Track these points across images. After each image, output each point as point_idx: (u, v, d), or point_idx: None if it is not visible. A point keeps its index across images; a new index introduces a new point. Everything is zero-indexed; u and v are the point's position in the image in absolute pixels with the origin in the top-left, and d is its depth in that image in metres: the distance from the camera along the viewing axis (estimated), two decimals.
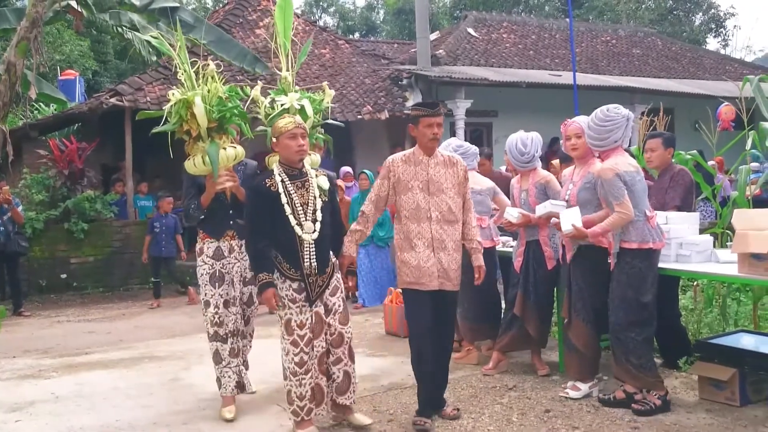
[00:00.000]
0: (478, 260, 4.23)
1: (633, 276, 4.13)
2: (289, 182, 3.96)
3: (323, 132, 4.96)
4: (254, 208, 3.97)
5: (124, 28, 11.26)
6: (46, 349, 6.72)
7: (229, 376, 4.47)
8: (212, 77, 4.33)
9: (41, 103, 15.35)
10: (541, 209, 4.81)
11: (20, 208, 9.05)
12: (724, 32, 32.98)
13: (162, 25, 11.08)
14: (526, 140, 5.10)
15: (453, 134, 13.30)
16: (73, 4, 10.34)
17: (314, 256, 3.91)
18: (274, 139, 4.03)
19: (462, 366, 5.38)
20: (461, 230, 4.21)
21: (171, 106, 4.25)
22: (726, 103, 6.26)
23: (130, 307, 9.08)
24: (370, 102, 12.91)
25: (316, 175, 4.08)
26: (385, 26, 38.54)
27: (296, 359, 3.85)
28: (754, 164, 6.88)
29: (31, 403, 4.87)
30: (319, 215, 3.97)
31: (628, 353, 4.19)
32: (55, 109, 14.60)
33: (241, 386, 4.62)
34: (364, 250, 7.87)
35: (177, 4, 11.56)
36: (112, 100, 10.66)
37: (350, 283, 4.01)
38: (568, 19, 22.24)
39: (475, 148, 5.47)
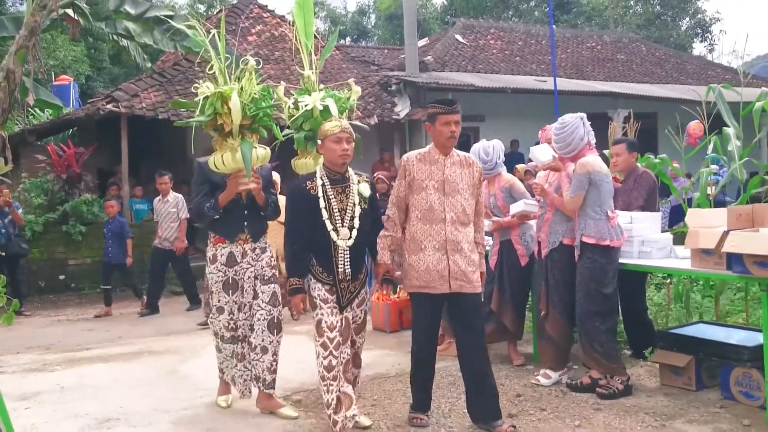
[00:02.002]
0: (481, 266, 4.14)
1: (594, 270, 4.50)
2: (329, 186, 3.93)
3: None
4: (293, 209, 3.96)
5: (119, 35, 11.61)
6: (48, 345, 7.03)
7: (239, 377, 4.52)
8: (249, 74, 4.20)
9: (36, 108, 15.63)
10: (515, 208, 5.19)
11: (20, 211, 9.36)
12: (710, 37, 33.55)
13: (157, 34, 11.47)
14: (488, 148, 5.48)
15: None
16: (70, 12, 10.69)
17: (348, 263, 3.89)
18: (319, 141, 4.00)
19: (444, 357, 5.70)
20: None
21: (204, 98, 4.13)
22: (696, 120, 6.63)
23: (126, 307, 9.35)
24: (360, 107, 13.25)
25: (358, 182, 4.02)
26: (376, 31, 38.91)
27: (325, 363, 3.83)
28: (714, 167, 7.21)
29: (38, 393, 5.18)
30: (356, 222, 3.93)
31: (593, 341, 4.55)
32: (51, 114, 14.91)
33: (245, 393, 4.55)
34: None
35: (171, 13, 11.93)
36: (109, 106, 10.95)
37: (384, 292, 4.00)
38: (554, 26, 22.66)
39: None
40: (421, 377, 4.16)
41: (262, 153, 4.28)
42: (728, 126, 6.05)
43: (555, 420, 4.18)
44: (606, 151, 6.95)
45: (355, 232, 3.91)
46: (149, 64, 14.22)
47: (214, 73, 4.23)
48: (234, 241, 4.41)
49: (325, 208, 3.88)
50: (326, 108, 4.39)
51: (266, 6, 16.12)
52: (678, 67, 19.44)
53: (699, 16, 33.20)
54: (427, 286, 3.97)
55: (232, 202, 4.34)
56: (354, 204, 3.95)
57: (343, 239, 3.88)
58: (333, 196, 3.91)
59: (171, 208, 8.70)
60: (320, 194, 3.89)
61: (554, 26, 22.51)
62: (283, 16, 16.50)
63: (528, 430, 4.01)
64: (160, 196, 8.88)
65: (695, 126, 6.81)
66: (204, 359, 6.11)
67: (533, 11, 33.95)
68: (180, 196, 8.86)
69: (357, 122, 4.89)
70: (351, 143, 3.97)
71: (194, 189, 4.47)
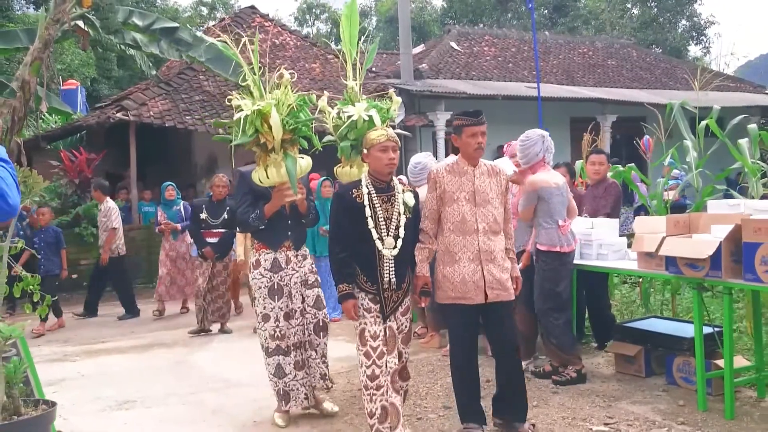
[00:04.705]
0: (515, 271, 4.21)
1: (549, 272, 5.09)
2: (375, 195, 3.90)
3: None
4: (338, 216, 3.94)
5: (127, 45, 12.24)
6: (66, 339, 7.65)
7: (298, 389, 4.46)
8: (285, 87, 4.23)
9: (46, 113, 16.25)
10: None
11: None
12: (705, 40, 34.10)
13: (163, 44, 12.09)
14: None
15: (434, 143, 14.29)
16: (80, 24, 11.32)
17: (393, 272, 3.86)
18: (365, 150, 3.98)
19: (426, 349, 6.34)
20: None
21: (245, 117, 4.16)
22: (647, 136, 7.23)
23: (138, 303, 9.95)
24: None
25: (403, 191, 4.00)
26: (378, 33, 39.46)
27: (368, 372, 3.81)
28: (676, 171, 7.80)
29: (62, 380, 5.82)
30: (401, 231, 3.90)
31: (549, 334, 5.15)
32: (59, 120, 15.53)
33: (310, 399, 4.54)
34: (325, 261, 7.23)
35: (176, 25, 12.57)
36: (119, 114, 11.56)
37: (423, 305, 4.26)
38: (547, 32, 23.18)
39: (432, 164, 6.42)
40: (467, 387, 4.15)
41: (304, 164, 4.36)
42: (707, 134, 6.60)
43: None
44: (579, 162, 7.57)
45: (400, 242, 3.89)
46: (154, 72, 14.85)
47: (248, 86, 4.28)
48: (278, 249, 4.47)
49: (371, 216, 3.86)
50: (370, 118, 4.43)
51: (268, 15, 16.72)
52: (667, 72, 19.99)
53: (695, 19, 33.69)
54: (462, 297, 3.99)
55: (276, 212, 4.40)
56: (399, 213, 3.92)
57: (388, 248, 3.86)
58: (378, 205, 3.89)
59: (102, 216, 8.90)
60: (366, 203, 3.88)
61: (547, 32, 23.11)
62: (284, 25, 17.10)
63: (491, 410, 4.59)
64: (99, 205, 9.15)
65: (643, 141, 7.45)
66: (210, 352, 6.75)
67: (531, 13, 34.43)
68: (112, 205, 8.98)
69: (399, 130, 5.00)
70: (397, 152, 3.95)
71: (237, 199, 4.57)
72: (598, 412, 4.49)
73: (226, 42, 4.37)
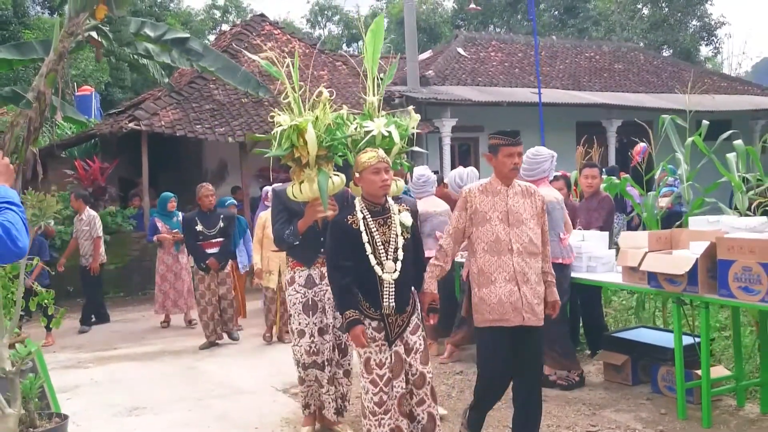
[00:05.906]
0: (553, 295, 4.09)
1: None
2: (371, 219, 3.85)
3: (406, 158, 4.86)
4: (335, 244, 3.88)
5: (140, 55, 12.58)
6: (79, 345, 7.95)
7: (330, 403, 4.58)
8: (323, 105, 4.28)
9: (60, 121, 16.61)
10: None
11: (51, 222, 10.28)
12: (716, 40, 34.06)
13: (174, 53, 12.40)
14: (462, 174, 6.34)
15: (440, 150, 14.51)
16: (94, 34, 11.65)
17: (393, 296, 3.81)
18: (356, 174, 3.93)
19: None
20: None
21: (281, 131, 4.23)
22: (641, 143, 7.41)
23: (148, 310, 10.22)
24: None
25: (399, 211, 3.95)
26: (389, 34, 39.67)
27: (375, 399, 3.79)
28: (670, 179, 7.97)
29: (76, 386, 6.10)
30: (400, 254, 3.84)
31: (553, 343, 5.32)
32: (74, 128, 15.88)
33: (339, 412, 4.67)
34: None
35: (187, 35, 12.88)
36: (131, 124, 11.87)
37: (432, 321, 4.17)
38: (554, 36, 23.30)
39: (434, 177, 6.66)
40: (484, 409, 4.22)
41: (337, 181, 4.38)
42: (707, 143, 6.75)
43: (506, 409, 4.95)
44: (574, 172, 7.78)
45: (399, 264, 3.84)
46: (167, 79, 15.19)
47: (289, 102, 4.34)
48: (312, 265, 4.55)
49: (369, 242, 3.81)
50: (390, 134, 4.40)
51: (277, 23, 17.00)
52: (675, 75, 20.07)
53: (705, 19, 33.63)
54: (500, 319, 3.90)
55: (309, 228, 4.44)
56: (397, 235, 3.88)
57: (389, 272, 3.82)
58: (375, 229, 3.84)
59: (84, 226, 8.88)
60: (362, 228, 3.84)
61: (554, 36, 23.26)
62: (293, 32, 17.37)
63: None
64: (78, 214, 9.14)
65: (639, 149, 7.64)
66: (218, 358, 7.02)
67: (542, 15, 34.54)
68: (94, 214, 9.02)
69: (416, 148, 5.06)
70: (390, 172, 3.92)
71: (273, 216, 4.63)
72: (582, 420, 4.71)
73: (268, 59, 4.44)
